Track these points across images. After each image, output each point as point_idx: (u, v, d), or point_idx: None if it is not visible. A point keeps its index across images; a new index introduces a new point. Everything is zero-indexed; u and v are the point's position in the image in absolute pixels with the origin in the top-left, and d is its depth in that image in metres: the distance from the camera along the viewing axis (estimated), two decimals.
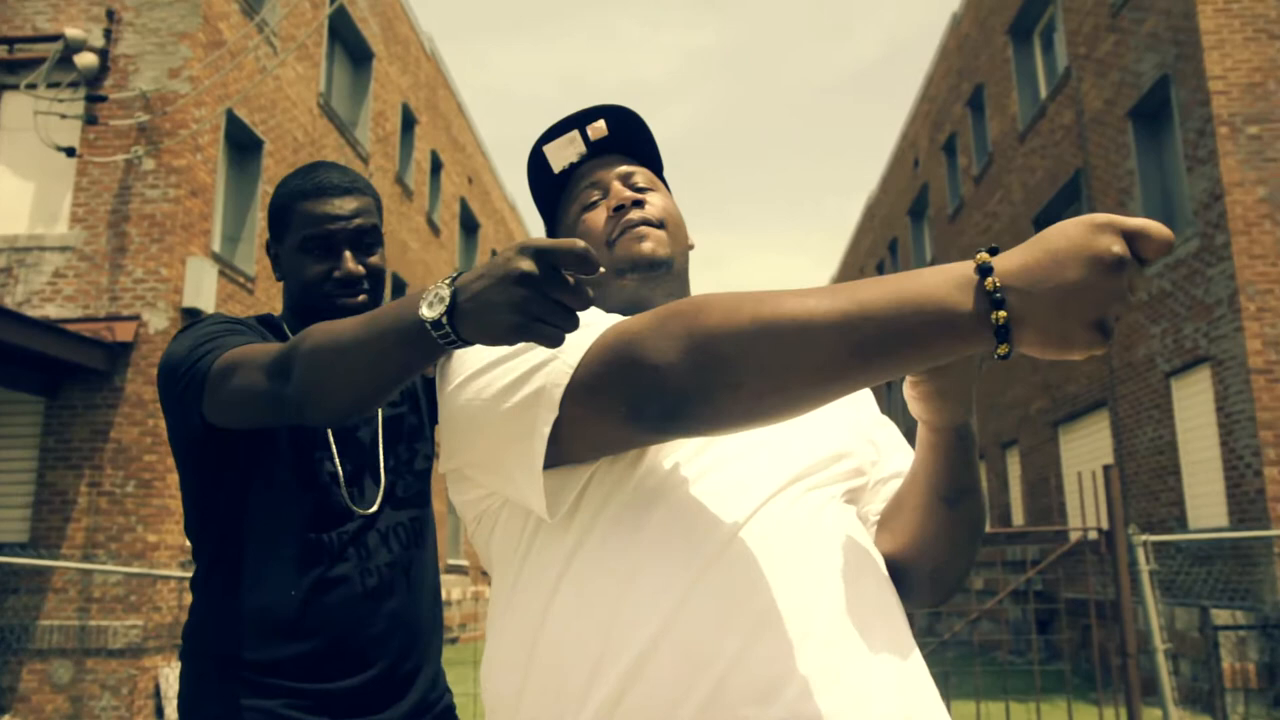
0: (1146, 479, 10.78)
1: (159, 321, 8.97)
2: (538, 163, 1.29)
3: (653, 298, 1.20)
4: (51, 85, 9.30)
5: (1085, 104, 12.30)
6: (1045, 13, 14.32)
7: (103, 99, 9.40)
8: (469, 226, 21.93)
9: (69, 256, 9.20)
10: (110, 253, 9.17)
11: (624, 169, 1.27)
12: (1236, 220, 9.02)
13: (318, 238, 1.54)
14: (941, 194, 19.68)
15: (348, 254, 1.55)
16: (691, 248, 1.30)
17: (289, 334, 1.58)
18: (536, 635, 1.02)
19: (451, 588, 17.04)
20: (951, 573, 1.17)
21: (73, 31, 9.25)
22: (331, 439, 1.57)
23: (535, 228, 35.54)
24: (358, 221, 1.56)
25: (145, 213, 9.24)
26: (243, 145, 10.89)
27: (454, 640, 16.55)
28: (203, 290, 9.25)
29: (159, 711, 8.25)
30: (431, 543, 1.71)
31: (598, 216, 1.23)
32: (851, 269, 30.15)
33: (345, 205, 1.56)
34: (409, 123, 16.96)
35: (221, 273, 9.86)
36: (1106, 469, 5.46)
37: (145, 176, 9.31)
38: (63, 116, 9.29)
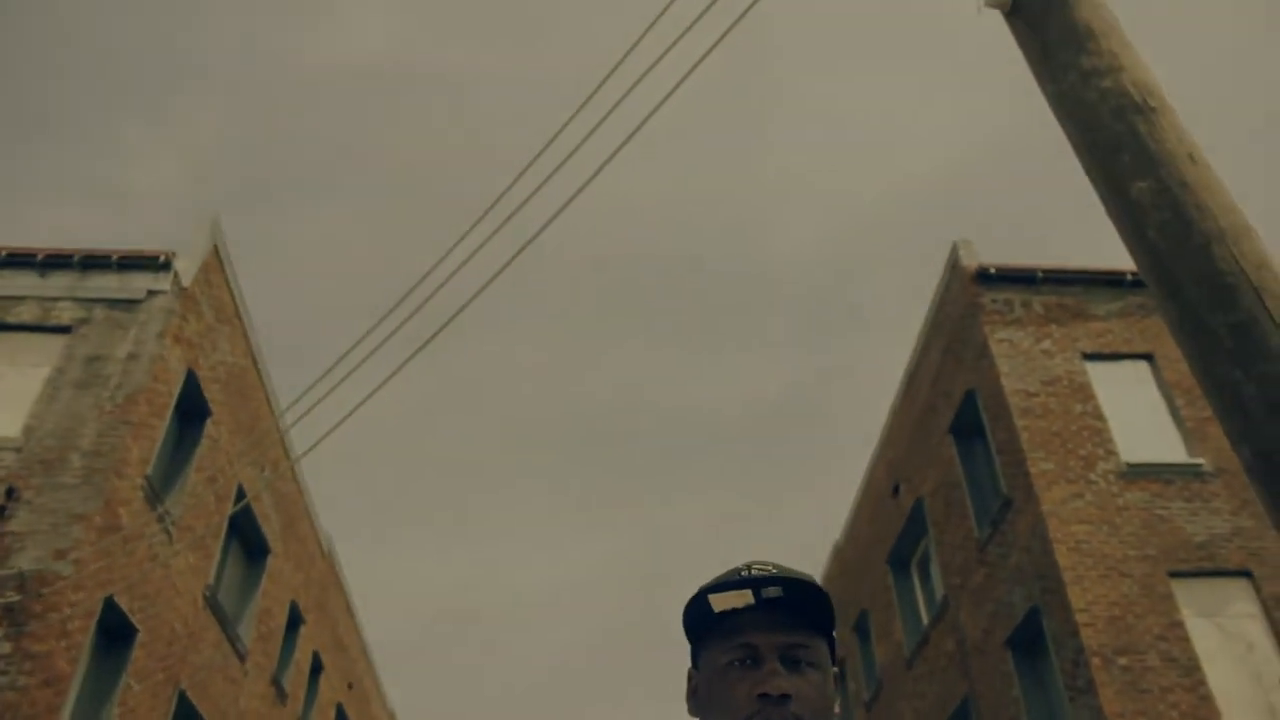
0: None
1: None
2: (699, 602, 1.24)
3: None
4: None
5: (966, 632, 12.73)
6: (920, 544, 15.32)
7: None
8: None
9: None
10: None
11: (786, 639, 1.20)
12: None
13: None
14: None
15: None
16: None
17: None
18: None
19: None
20: None
21: None
22: None
23: None
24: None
25: None
26: (114, 633, 10.39)
27: None
28: None
29: None
30: None
31: (740, 686, 1.18)
32: None
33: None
34: (295, 621, 16.53)
35: None
36: None
37: None
38: None
